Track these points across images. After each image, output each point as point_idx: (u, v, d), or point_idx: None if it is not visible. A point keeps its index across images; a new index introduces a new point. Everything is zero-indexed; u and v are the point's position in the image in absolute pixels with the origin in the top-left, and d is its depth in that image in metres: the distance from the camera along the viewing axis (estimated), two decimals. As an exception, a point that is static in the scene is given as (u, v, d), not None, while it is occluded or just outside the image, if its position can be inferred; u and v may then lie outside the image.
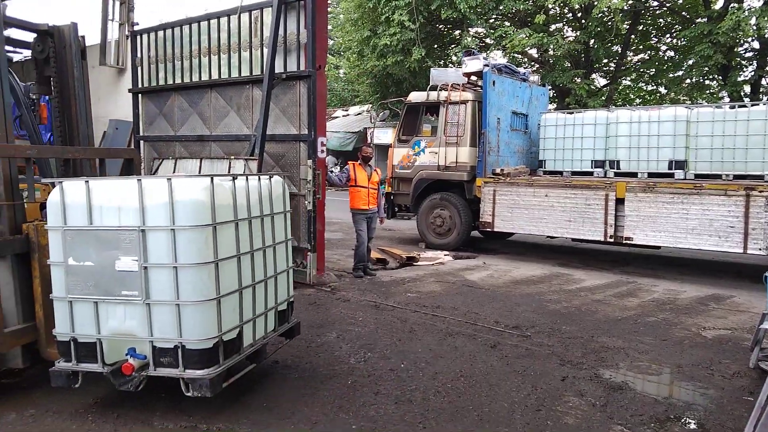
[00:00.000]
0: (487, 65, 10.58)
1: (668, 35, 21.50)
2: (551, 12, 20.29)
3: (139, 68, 9.58)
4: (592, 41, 19.86)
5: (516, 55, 19.85)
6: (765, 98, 18.38)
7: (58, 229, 3.54)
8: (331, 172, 8.89)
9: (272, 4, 7.49)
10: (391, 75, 22.08)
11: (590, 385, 4.44)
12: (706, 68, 17.82)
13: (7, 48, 5.00)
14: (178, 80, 8.98)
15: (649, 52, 22.13)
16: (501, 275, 8.73)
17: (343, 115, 31.08)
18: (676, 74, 20.14)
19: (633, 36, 20.87)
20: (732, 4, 16.72)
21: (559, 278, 8.59)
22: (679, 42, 20.03)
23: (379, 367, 4.73)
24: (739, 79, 18.16)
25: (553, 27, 20.71)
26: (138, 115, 9.71)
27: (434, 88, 11.19)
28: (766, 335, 4.77)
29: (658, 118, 9.45)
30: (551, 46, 18.45)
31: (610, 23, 19.18)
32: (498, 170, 10.35)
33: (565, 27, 21.67)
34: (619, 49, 21.17)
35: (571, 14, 20.86)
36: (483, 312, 6.54)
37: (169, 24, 9.02)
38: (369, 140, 21.80)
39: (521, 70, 12.62)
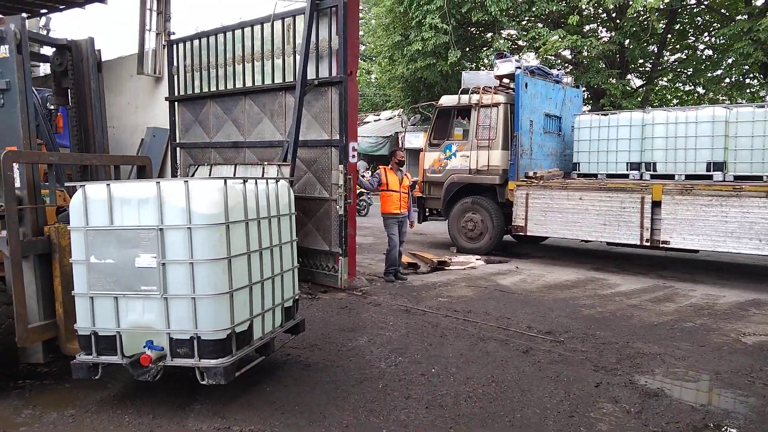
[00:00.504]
0: (519, 67, 10.52)
1: (706, 34, 20.96)
2: (585, 13, 19.99)
3: (176, 77, 9.80)
4: (627, 41, 19.50)
5: (549, 56, 19.62)
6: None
7: (80, 229, 3.72)
8: (362, 176, 8.94)
9: (304, 11, 7.60)
10: (422, 79, 22.07)
11: (625, 392, 4.36)
12: (746, 66, 17.36)
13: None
14: (213, 88, 9.17)
15: (686, 51, 21.58)
16: (534, 280, 8.64)
17: (375, 120, 31.26)
18: (714, 73, 19.59)
19: (669, 35, 20.40)
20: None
21: (594, 283, 8.47)
22: (717, 40, 19.51)
23: (409, 371, 4.74)
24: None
25: (587, 28, 20.41)
26: (174, 123, 9.94)
27: (465, 91, 11.16)
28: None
29: (696, 118, 9.26)
30: (585, 48, 18.20)
31: (645, 23, 18.83)
32: (531, 173, 10.25)
33: (600, 28, 21.32)
34: (655, 49, 20.71)
35: (605, 14, 20.54)
36: (515, 317, 6.49)
37: (204, 33, 9.24)
38: (401, 144, 21.86)
39: (554, 71, 12.50)
